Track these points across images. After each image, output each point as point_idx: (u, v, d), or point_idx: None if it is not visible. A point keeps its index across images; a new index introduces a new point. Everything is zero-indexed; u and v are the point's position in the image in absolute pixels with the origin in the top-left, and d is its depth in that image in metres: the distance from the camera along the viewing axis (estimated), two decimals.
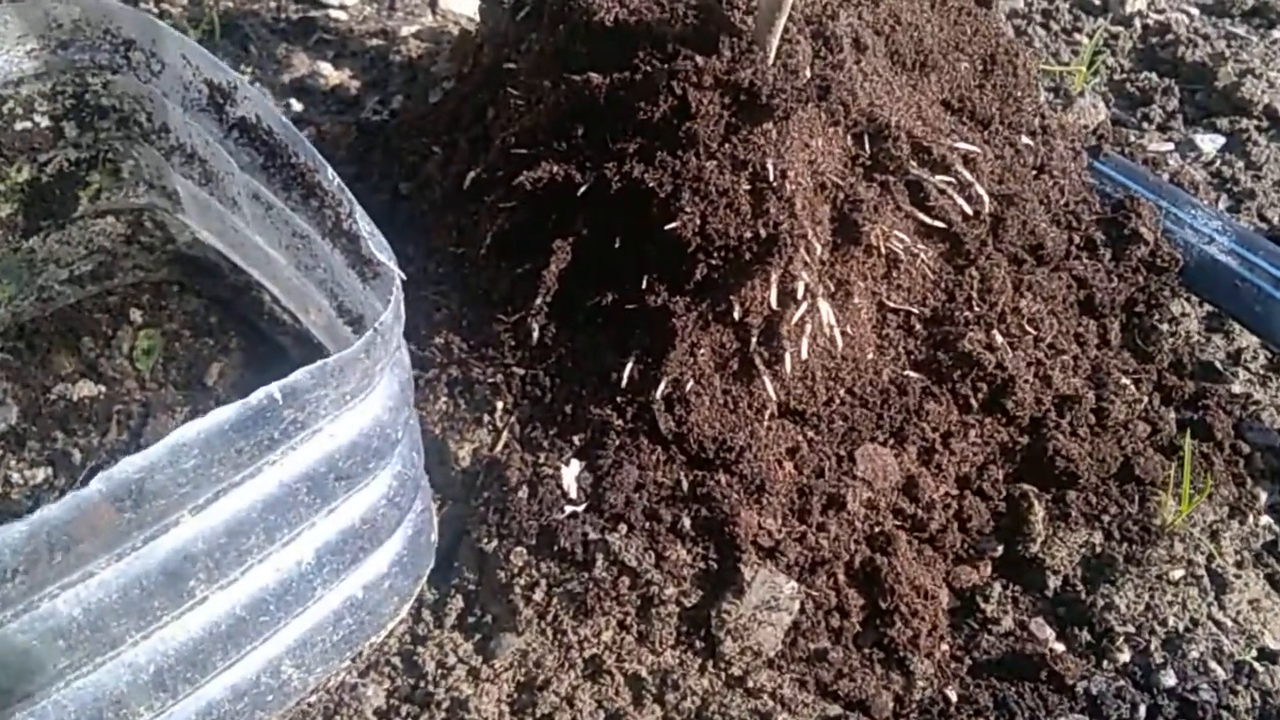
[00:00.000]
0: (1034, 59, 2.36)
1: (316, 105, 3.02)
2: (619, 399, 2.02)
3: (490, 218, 2.10)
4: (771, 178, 1.84)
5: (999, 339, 2.13)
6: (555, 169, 1.94)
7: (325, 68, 3.08)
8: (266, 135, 1.85)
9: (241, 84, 1.85)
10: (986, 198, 2.11)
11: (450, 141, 2.32)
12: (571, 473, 2.01)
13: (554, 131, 1.94)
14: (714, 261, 1.91)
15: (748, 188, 1.86)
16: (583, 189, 1.93)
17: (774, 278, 1.87)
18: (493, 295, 2.17)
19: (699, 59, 1.81)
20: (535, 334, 2.05)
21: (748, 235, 1.86)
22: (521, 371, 2.10)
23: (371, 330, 1.45)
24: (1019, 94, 2.35)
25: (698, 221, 1.86)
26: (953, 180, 2.01)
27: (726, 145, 1.86)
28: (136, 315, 2.34)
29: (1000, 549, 2.06)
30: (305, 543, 1.54)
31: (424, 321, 2.21)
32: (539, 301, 1.99)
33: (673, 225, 1.85)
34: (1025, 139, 2.33)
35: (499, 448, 2.08)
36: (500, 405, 2.10)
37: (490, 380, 2.10)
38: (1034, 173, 2.35)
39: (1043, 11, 3.42)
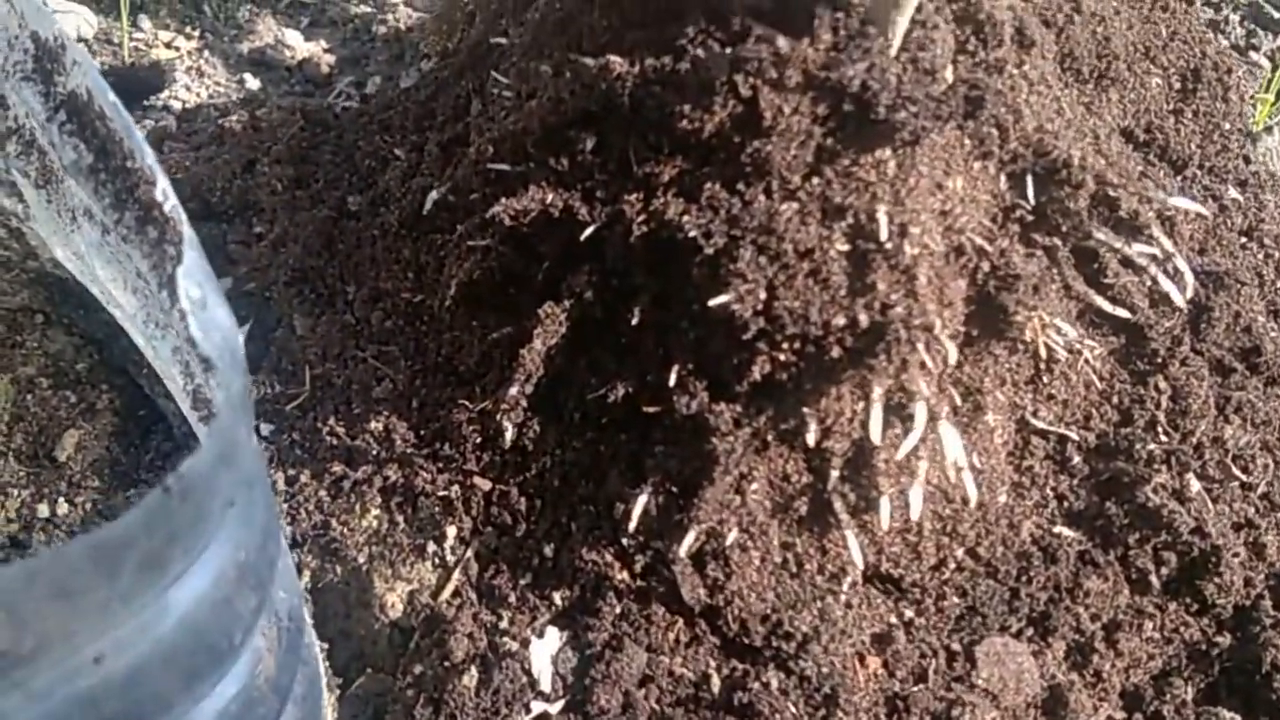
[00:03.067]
0: (1248, 79, 1.66)
1: (277, 84, 2.38)
2: (626, 543, 1.35)
3: (459, 259, 1.43)
4: (884, 235, 1.16)
5: (1195, 485, 1.44)
6: (550, 198, 1.27)
7: (293, 37, 2.44)
8: (98, 122, 1.21)
9: (69, 42, 1.21)
10: (1190, 277, 1.41)
11: (418, 144, 1.66)
12: (546, 649, 1.34)
13: (551, 142, 1.27)
14: (783, 357, 1.23)
15: (845, 248, 1.18)
16: (589, 231, 1.26)
17: (877, 390, 1.19)
18: (457, 367, 1.51)
19: (782, 42, 1.13)
20: (509, 434, 1.38)
21: (840, 322, 1.18)
22: (486, 485, 1.43)
23: (159, 490, 0.78)
24: (1227, 126, 1.65)
25: (761, 295, 1.18)
26: (1151, 250, 1.32)
27: (816, 180, 1.18)
28: None
29: None
30: None
31: (358, 396, 1.55)
32: (515, 391, 1.32)
33: (723, 299, 1.18)
34: (1233, 191, 1.64)
35: (445, 595, 1.42)
36: (453, 532, 1.44)
37: (442, 493, 1.44)
38: (1242, 239, 1.65)
39: (1208, 21, 2.70)
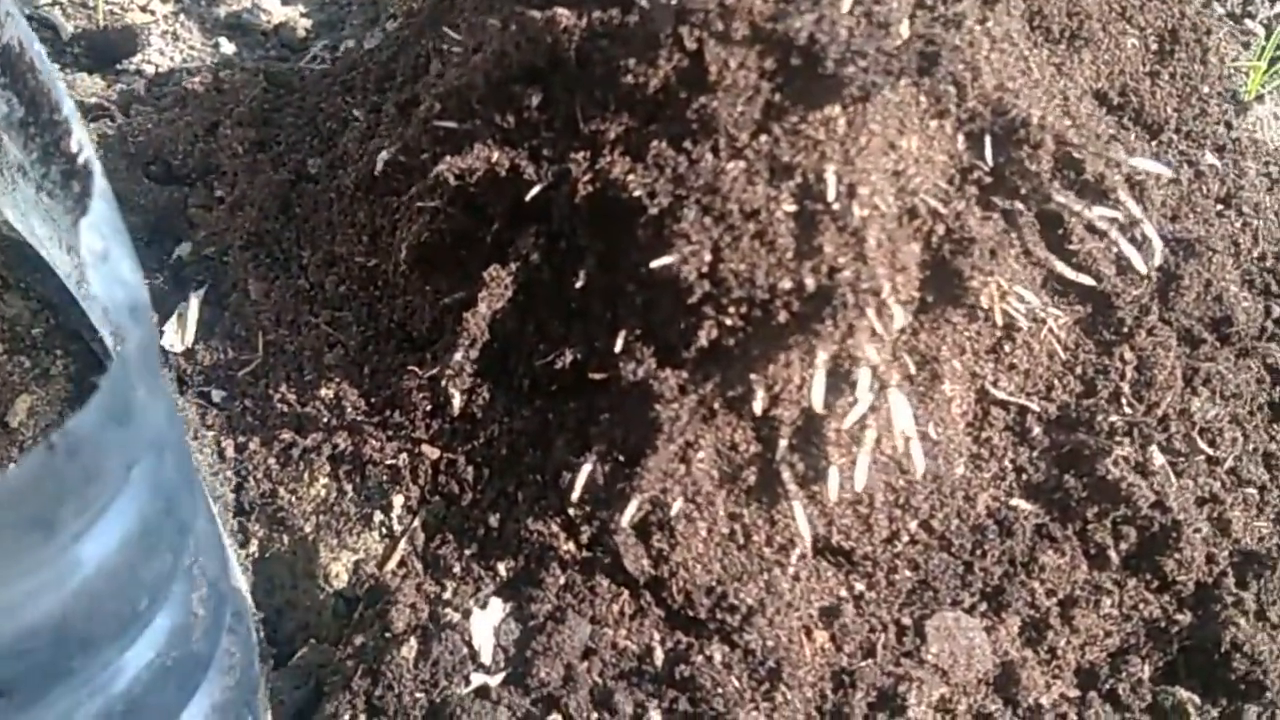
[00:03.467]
0: (1228, 40, 1.61)
1: (252, 48, 2.34)
2: (572, 513, 1.32)
3: (409, 221, 1.40)
4: (831, 196, 1.12)
5: (1159, 459, 1.40)
6: (495, 156, 1.23)
7: (270, 1, 2.39)
8: (29, 75, 1.17)
9: None
10: (1158, 243, 1.37)
11: (377, 105, 1.62)
12: (488, 620, 1.31)
13: (496, 97, 1.24)
14: (729, 321, 1.20)
15: (792, 209, 1.14)
16: (535, 190, 1.23)
17: (822, 356, 1.15)
18: (410, 332, 1.48)
19: None
20: (457, 401, 1.35)
21: (786, 285, 1.15)
22: (434, 454, 1.40)
23: (43, 447, 0.75)
24: (1206, 90, 1.61)
25: (706, 257, 1.15)
26: (1114, 215, 1.28)
27: (764, 138, 1.15)
28: None
29: None
30: None
31: (310, 363, 1.52)
32: (459, 357, 1.29)
33: (666, 261, 1.14)
34: (1210, 157, 1.59)
35: (390, 565, 1.39)
36: (400, 500, 1.41)
37: (390, 461, 1.41)
38: (1218, 207, 1.61)
39: None
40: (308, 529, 1.44)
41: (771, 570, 1.31)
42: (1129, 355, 1.44)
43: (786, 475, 1.28)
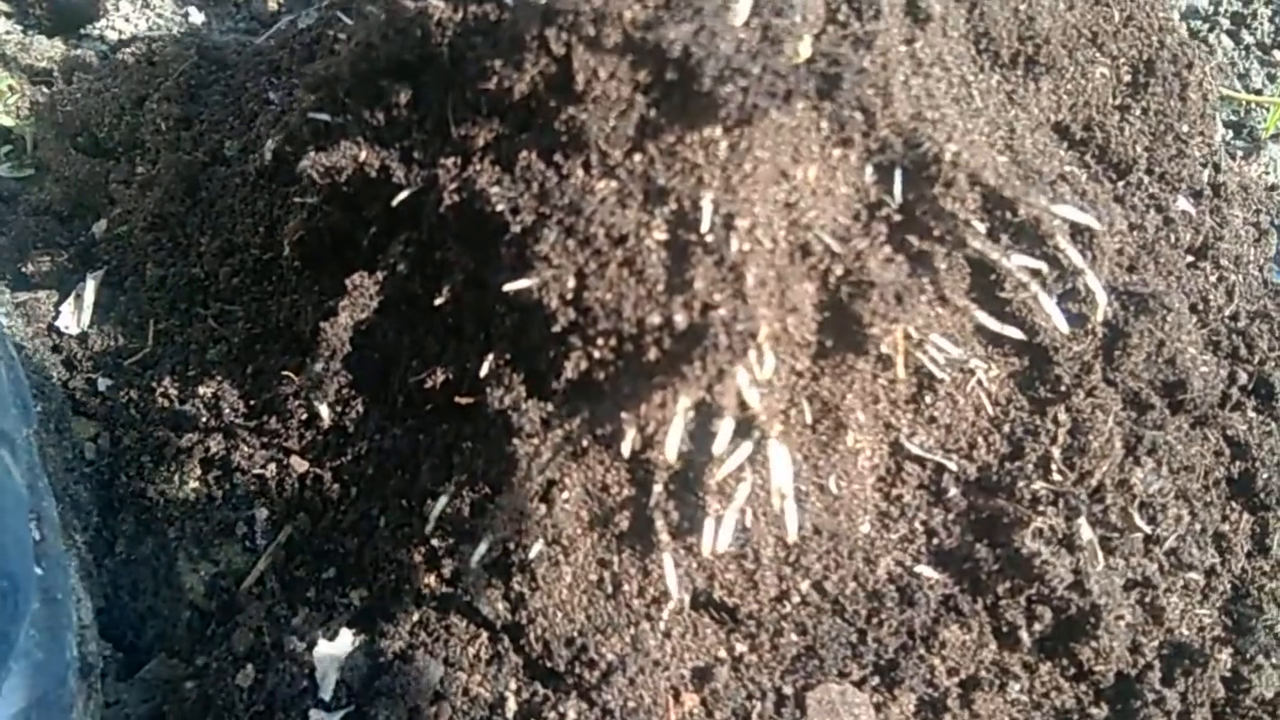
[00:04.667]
0: (1216, 76, 1.47)
1: (221, 19, 2.27)
2: (435, 544, 1.23)
3: (292, 215, 1.31)
4: (706, 226, 1.01)
5: (1087, 534, 1.28)
6: (364, 155, 1.14)
7: None
8: None
9: None
10: (1103, 297, 1.25)
11: (293, 85, 1.53)
12: (333, 652, 1.23)
13: (364, 92, 1.14)
14: (597, 354, 1.09)
15: (664, 237, 1.03)
16: (403, 196, 1.13)
17: (684, 401, 1.04)
18: (297, 334, 1.39)
19: None
20: (324, 414, 1.26)
21: (655, 321, 1.04)
22: (303, 467, 1.32)
23: None
24: (1185, 129, 1.46)
25: (570, 283, 1.05)
26: (1036, 265, 1.16)
27: (638, 157, 1.04)
28: None
29: None
30: None
31: (194, 358, 1.44)
32: (319, 369, 1.20)
33: (521, 284, 1.04)
34: (1183, 203, 1.45)
35: (248, 582, 1.31)
36: (264, 513, 1.33)
37: (258, 470, 1.33)
38: (1189, 259, 1.47)
39: (1233, 15, 2.47)
40: (172, 534, 1.36)
41: (640, 624, 1.21)
42: (1063, 417, 1.31)
43: (660, 523, 1.17)
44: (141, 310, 1.51)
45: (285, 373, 1.33)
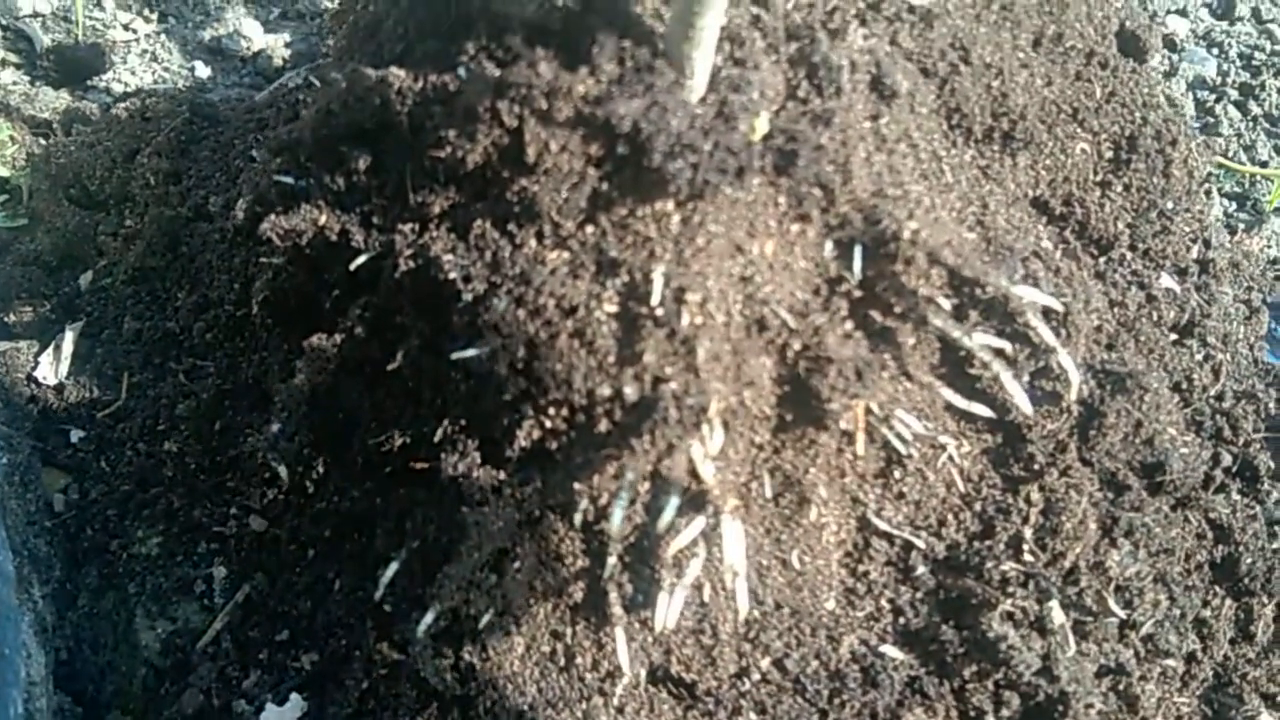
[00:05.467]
0: (1203, 152, 1.45)
1: (228, 74, 2.30)
2: (387, 609, 1.21)
3: (259, 274, 1.31)
4: (656, 299, 1.00)
5: (1058, 618, 1.24)
6: (324, 219, 1.14)
7: (252, 28, 2.36)
8: None
9: None
10: (1075, 376, 1.22)
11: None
12: (281, 718, 1.20)
13: (324, 157, 1.15)
14: (549, 424, 1.08)
15: (614, 309, 1.02)
16: (360, 260, 1.13)
17: (629, 475, 1.03)
18: (265, 389, 1.39)
19: (545, 69, 0.98)
20: (283, 474, 1.26)
21: (605, 392, 1.03)
22: (261, 525, 1.31)
23: None
24: (1169, 205, 1.44)
25: (520, 352, 1.04)
26: (999, 344, 1.14)
27: (590, 229, 1.03)
28: None
29: None
30: None
31: (164, 412, 1.44)
32: (276, 429, 1.19)
33: (469, 353, 1.04)
34: (1166, 280, 1.43)
35: (203, 641, 1.30)
36: (222, 573, 1.32)
37: (218, 528, 1.32)
38: (1173, 337, 1.44)
39: (1241, 86, 2.45)
40: (132, 589, 1.35)
41: (592, 699, 1.18)
42: (1035, 496, 1.28)
43: (613, 596, 1.15)
44: (117, 363, 1.52)
45: (249, 430, 1.33)
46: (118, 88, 2.21)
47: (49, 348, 1.56)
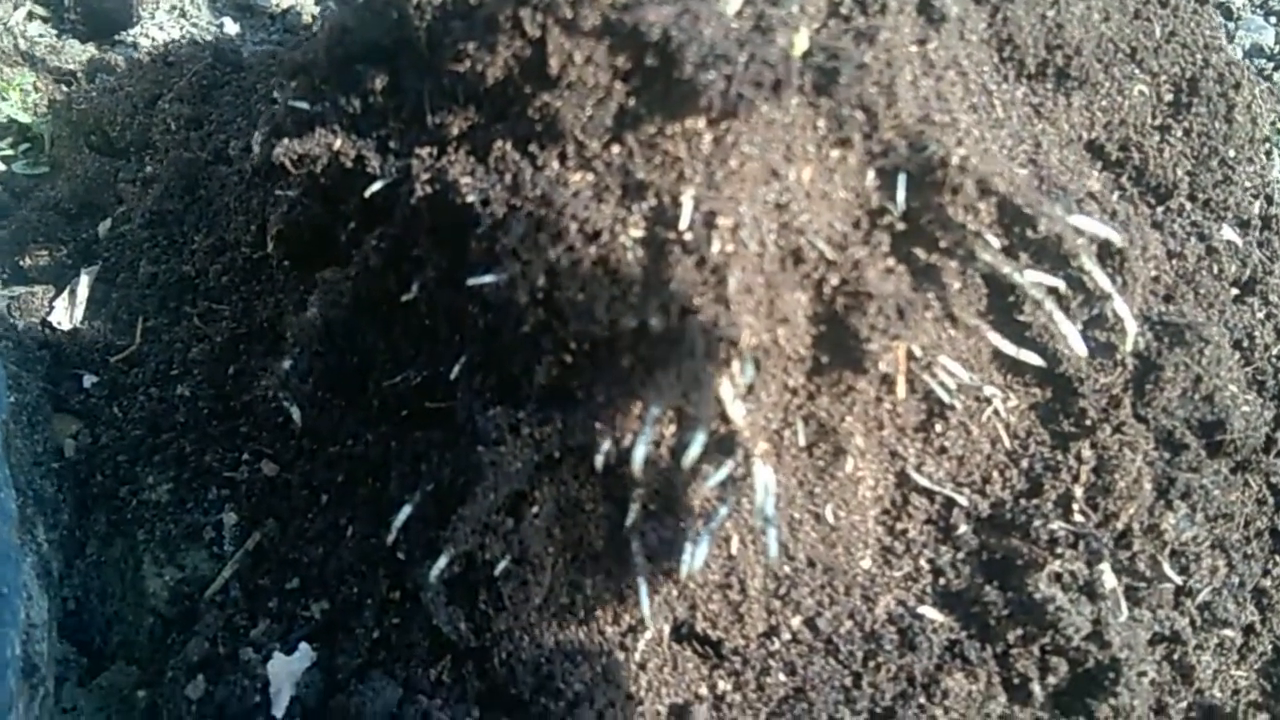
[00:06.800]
0: (1267, 99, 1.37)
1: (255, 30, 2.25)
2: (399, 556, 1.16)
3: (274, 209, 1.27)
4: (685, 223, 0.94)
5: (1110, 581, 1.17)
6: (338, 144, 1.09)
7: None
8: None
9: None
10: (1132, 325, 1.15)
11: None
12: (289, 668, 1.16)
13: (340, 78, 1.09)
14: (568, 359, 1.02)
15: (640, 235, 0.96)
16: (376, 187, 1.08)
17: (654, 410, 0.97)
18: (280, 331, 1.34)
19: None
20: (296, 416, 1.21)
21: (629, 324, 0.97)
22: (273, 470, 1.26)
23: None
24: (1231, 154, 1.36)
25: (540, 281, 0.98)
26: (1053, 282, 1.07)
27: (616, 149, 0.97)
28: None
29: None
30: None
31: (178, 356, 1.40)
32: (287, 368, 1.14)
33: (486, 279, 0.98)
34: (1228, 232, 1.35)
35: (212, 590, 1.25)
36: (232, 519, 1.27)
37: (229, 473, 1.27)
38: (1234, 293, 1.36)
39: None
40: (140, 536, 1.31)
41: (612, 654, 1.12)
42: (1087, 453, 1.21)
43: (635, 545, 1.09)
44: (132, 307, 1.47)
45: (263, 374, 1.28)
46: (144, 42, 2.17)
47: (64, 292, 1.52)
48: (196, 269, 1.44)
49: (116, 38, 2.18)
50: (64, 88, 1.88)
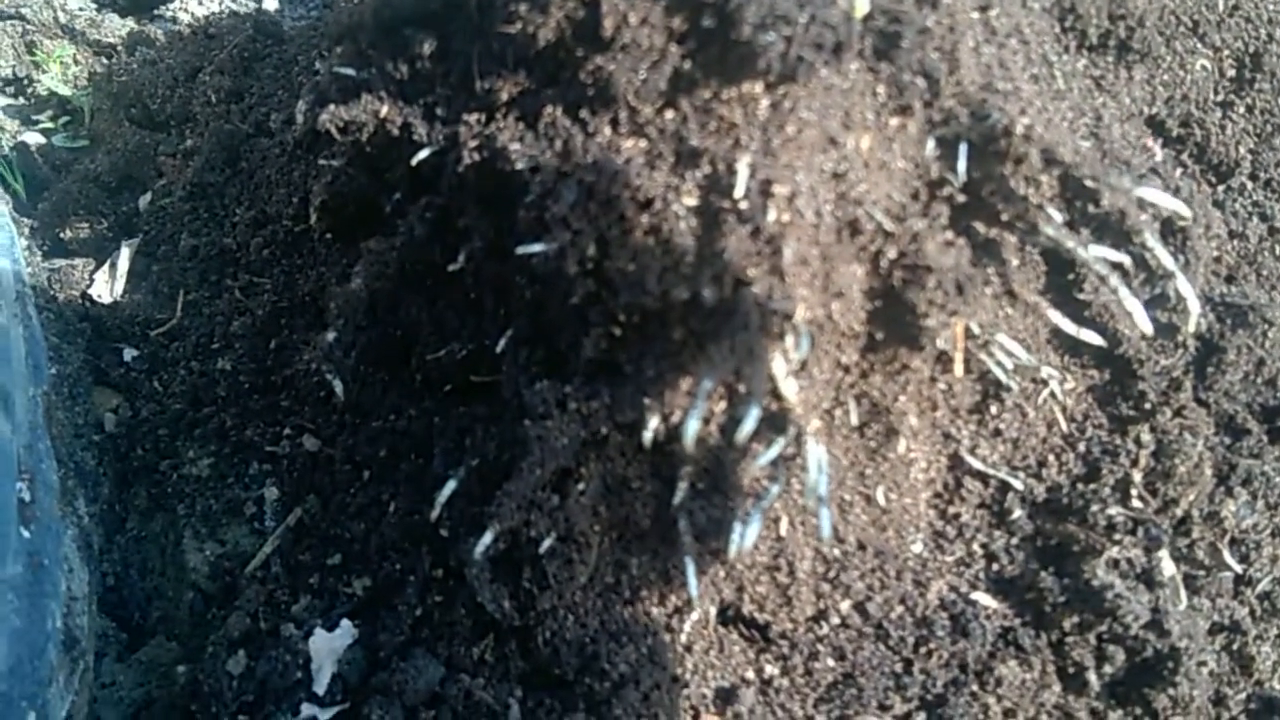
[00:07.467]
0: None
1: (295, 5, 2.24)
2: (443, 533, 1.14)
3: (317, 179, 1.25)
4: (740, 191, 0.91)
5: (1169, 569, 1.14)
6: (385, 111, 1.07)
7: None
8: None
9: None
10: (1195, 305, 1.11)
11: None
12: (331, 644, 1.15)
13: (388, 43, 1.07)
14: (619, 332, 1.00)
15: (693, 203, 0.94)
16: (423, 154, 1.06)
17: (706, 384, 0.94)
18: (322, 305, 1.33)
19: None
20: (338, 390, 1.19)
21: (681, 296, 0.94)
22: (314, 445, 1.24)
23: None
24: None
25: (589, 250, 0.95)
26: (1118, 258, 1.03)
27: (670, 114, 0.95)
28: None
29: None
30: None
31: (219, 330, 1.39)
32: (330, 339, 1.13)
33: (535, 248, 0.96)
34: None
35: (253, 565, 1.24)
36: (274, 494, 1.26)
37: (270, 448, 1.26)
38: None
39: None
40: (181, 511, 1.30)
41: (658, 635, 1.10)
42: (1146, 438, 1.17)
43: (683, 524, 1.07)
44: (173, 280, 1.46)
45: (305, 347, 1.26)
46: (184, 16, 2.16)
47: (104, 265, 1.51)
48: (238, 242, 1.43)
49: (156, 11, 2.18)
50: (104, 60, 1.87)
